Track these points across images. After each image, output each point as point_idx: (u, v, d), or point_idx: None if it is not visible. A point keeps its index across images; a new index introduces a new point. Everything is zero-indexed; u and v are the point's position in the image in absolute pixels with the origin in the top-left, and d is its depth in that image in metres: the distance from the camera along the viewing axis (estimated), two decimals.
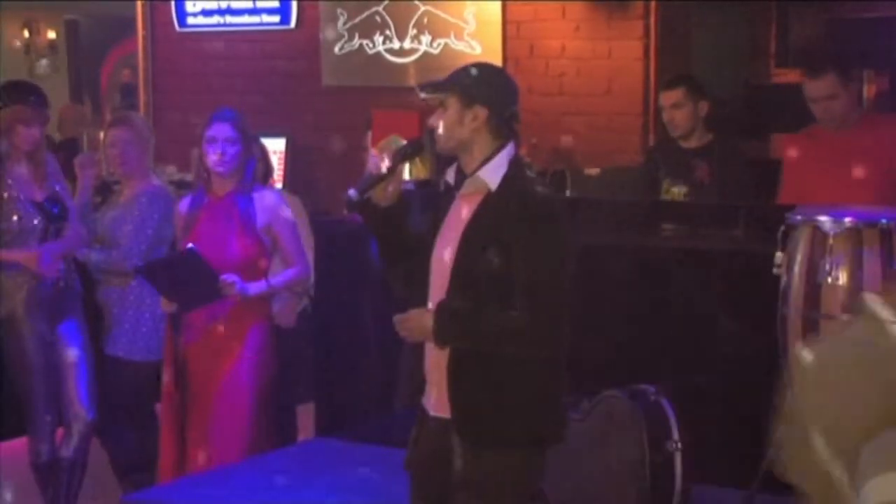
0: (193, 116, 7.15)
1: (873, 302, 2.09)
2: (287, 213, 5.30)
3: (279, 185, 7.23)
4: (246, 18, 8.49)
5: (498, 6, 7.45)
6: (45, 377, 5.43)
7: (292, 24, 8.29)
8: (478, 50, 7.48)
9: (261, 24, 8.42)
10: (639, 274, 5.15)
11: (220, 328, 5.15)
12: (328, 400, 6.28)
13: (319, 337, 6.21)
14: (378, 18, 7.86)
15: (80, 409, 5.52)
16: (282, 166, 7.79)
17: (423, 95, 3.65)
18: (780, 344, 4.31)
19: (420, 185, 6.02)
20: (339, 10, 8.02)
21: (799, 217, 4.30)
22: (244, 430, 5.15)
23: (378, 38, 7.87)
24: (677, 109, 5.98)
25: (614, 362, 4.94)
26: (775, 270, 4.32)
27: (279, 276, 5.26)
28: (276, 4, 8.33)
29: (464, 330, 3.48)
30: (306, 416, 6.22)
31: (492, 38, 7.46)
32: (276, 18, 8.35)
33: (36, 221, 5.35)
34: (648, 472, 4.29)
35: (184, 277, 5.06)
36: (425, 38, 7.69)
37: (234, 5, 8.51)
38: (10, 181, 5.34)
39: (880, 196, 5.05)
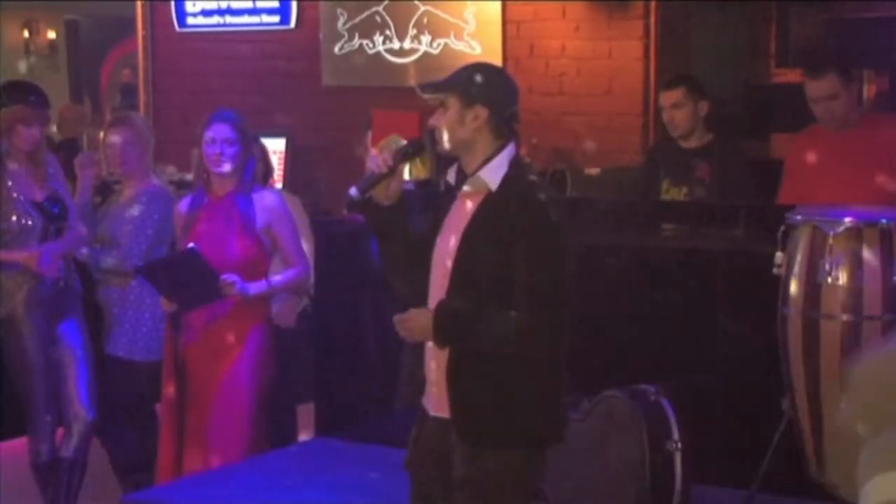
0: (193, 116, 7.15)
1: None
2: (287, 213, 5.31)
3: (279, 185, 7.23)
4: (246, 18, 8.49)
5: (498, 6, 7.45)
6: (45, 377, 5.43)
7: (292, 24, 8.29)
8: (478, 50, 7.48)
9: (261, 24, 8.42)
10: (639, 274, 5.15)
11: (220, 328, 5.15)
12: (328, 400, 6.28)
13: (319, 337, 6.21)
14: (378, 18, 7.86)
15: (80, 409, 5.52)
16: (282, 166, 7.79)
17: (424, 95, 3.65)
18: (780, 344, 4.31)
19: (420, 185, 6.02)
20: (339, 10, 8.02)
21: (799, 217, 4.30)
22: (244, 430, 5.15)
23: (378, 38, 7.87)
24: (677, 109, 5.98)
25: (614, 362, 4.94)
26: (775, 270, 4.32)
27: (279, 276, 5.26)
28: (276, 4, 8.33)
29: (464, 330, 3.48)
30: (306, 416, 6.22)
31: (492, 38, 7.46)
32: (276, 18, 8.35)
33: (36, 221, 5.35)
34: (648, 472, 4.29)
35: (184, 277, 5.06)
36: (425, 38, 7.70)
37: (234, 5, 8.51)
38: (10, 181, 5.34)
39: (881, 196, 5.06)
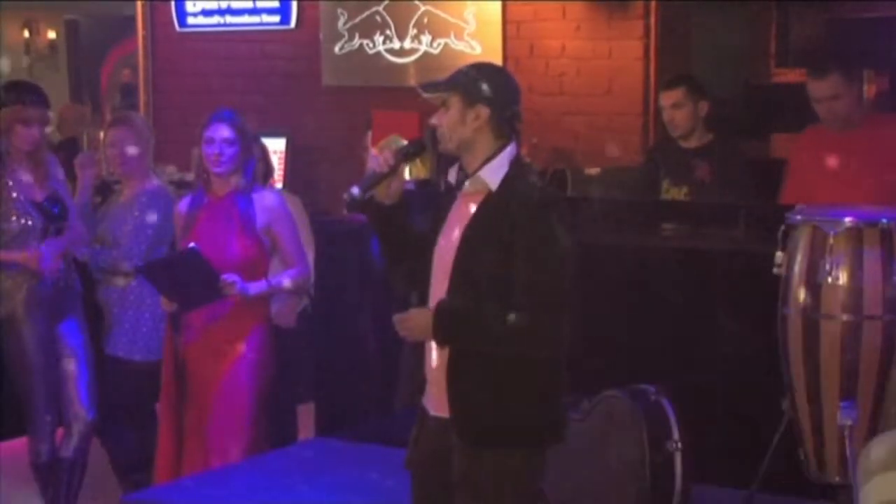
0: (193, 116, 7.14)
1: None
2: (287, 213, 5.31)
3: (279, 185, 7.23)
4: (246, 18, 8.49)
5: (498, 6, 7.45)
6: (45, 377, 5.43)
7: (292, 24, 8.28)
8: (478, 50, 7.48)
9: (261, 24, 8.42)
10: (639, 274, 5.15)
11: (220, 328, 5.15)
12: (328, 400, 6.28)
13: (319, 337, 6.21)
14: (378, 18, 7.86)
15: (80, 409, 5.52)
16: (282, 166, 7.79)
17: (425, 95, 3.65)
18: (780, 344, 4.31)
19: (420, 184, 6.02)
20: (339, 10, 8.02)
21: (799, 217, 4.30)
22: (244, 430, 5.15)
23: (378, 38, 7.87)
24: (677, 109, 5.98)
25: (614, 362, 4.93)
26: (775, 270, 4.32)
27: (279, 276, 5.26)
28: (276, 4, 8.33)
29: (464, 330, 3.48)
30: (306, 416, 6.22)
31: (492, 38, 7.46)
32: (276, 18, 8.35)
33: (36, 221, 5.35)
34: (648, 472, 4.29)
35: (184, 277, 5.06)
36: (425, 38, 7.69)
37: (234, 5, 8.51)
38: (10, 181, 5.34)
39: (884, 196, 5.06)
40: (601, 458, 4.36)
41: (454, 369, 3.50)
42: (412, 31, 7.74)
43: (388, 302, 4.68)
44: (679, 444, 4.33)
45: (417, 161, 5.92)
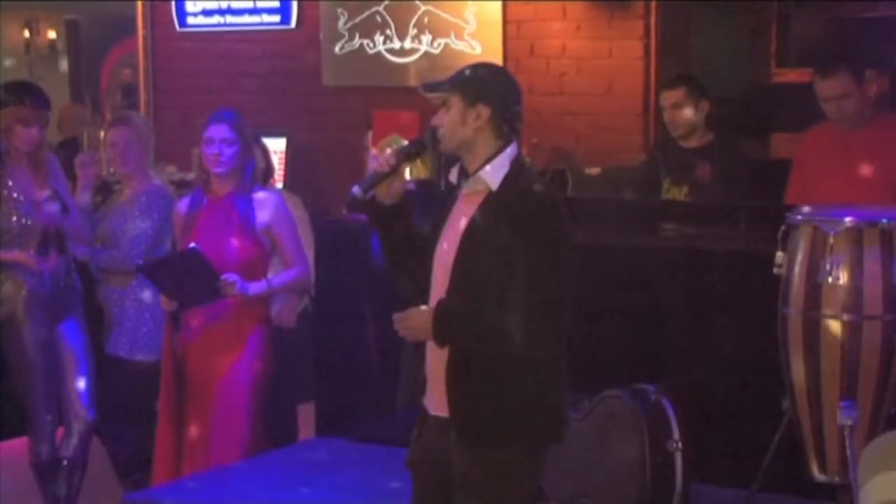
0: (193, 116, 7.15)
1: None
2: (287, 213, 5.31)
3: (279, 185, 7.23)
4: (246, 18, 8.48)
5: (498, 6, 7.44)
6: (45, 377, 5.43)
7: (292, 24, 8.28)
8: (478, 50, 7.48)
9: (261, 24, 8.41)
10: (639, 274, 5.15)
11: (220, 328, 5.15)
12: (328, 400, 6.27)
13: (319, 337, 6.21)
14: (378, 18, 7.86)
15: (80, 408, 5.52)
16: (282, 166, 7.78)
17: (426, 94, 3.65)
18: (780, 344, 4.31)
19: (421, 184, 6.02)
20: (339, 10, 8.01)
21: (799, 217, 4.30)
22: (243, 430, 5.15)
23: (378, 38, 7.86)
24: (678, 109, 5.99)
25: (614, 362, 4.93)
26: (775, 270, 4.32)
27: (279, 276, 5.26)
28: (277, 4, 8.32)
29: (463, 329, 3.48)
30: (306, 416, 6.21)
31: (492, 38, 7.45)
32: (277, 18, 8.34)
33: (36, 221, 5.35)
34: (648, 472, 4.29)
35: (185, 276, 5.07)
36: (426, 38, 7.69)
37: (235, 5, 8.50)
38: (10, 181, 5.35)
39: (889, 195, 5.06)
40: (601, 458, 4.36)
41: (454, 369, 3.50)
42: (412, 31, 7.73)
43: (388, 302, 4.67)
44: (679, 444, 4.33)
45: (418, 161, 5.92)
